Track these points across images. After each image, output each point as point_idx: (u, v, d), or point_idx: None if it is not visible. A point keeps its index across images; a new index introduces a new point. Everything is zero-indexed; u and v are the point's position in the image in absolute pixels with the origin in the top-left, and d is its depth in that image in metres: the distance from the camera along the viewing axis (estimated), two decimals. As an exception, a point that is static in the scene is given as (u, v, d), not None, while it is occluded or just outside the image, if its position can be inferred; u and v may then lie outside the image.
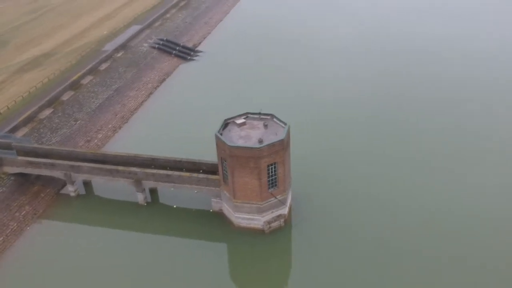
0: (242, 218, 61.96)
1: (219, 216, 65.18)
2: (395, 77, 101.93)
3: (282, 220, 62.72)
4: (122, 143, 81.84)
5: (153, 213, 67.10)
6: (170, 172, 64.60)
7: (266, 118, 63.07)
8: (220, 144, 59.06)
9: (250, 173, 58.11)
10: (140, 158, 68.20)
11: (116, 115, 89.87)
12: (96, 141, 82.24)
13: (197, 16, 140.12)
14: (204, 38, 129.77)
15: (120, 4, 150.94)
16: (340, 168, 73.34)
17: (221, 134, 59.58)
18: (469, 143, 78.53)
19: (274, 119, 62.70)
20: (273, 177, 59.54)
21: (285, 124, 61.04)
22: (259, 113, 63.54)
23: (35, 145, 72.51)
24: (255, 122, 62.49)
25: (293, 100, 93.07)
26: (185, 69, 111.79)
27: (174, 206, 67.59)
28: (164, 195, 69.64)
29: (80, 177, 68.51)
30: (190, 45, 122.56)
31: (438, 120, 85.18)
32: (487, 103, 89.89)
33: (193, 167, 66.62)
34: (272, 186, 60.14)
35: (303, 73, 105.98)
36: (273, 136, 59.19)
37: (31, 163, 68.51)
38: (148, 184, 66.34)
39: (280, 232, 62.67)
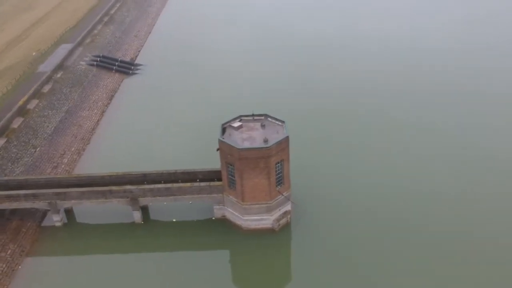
0: (252, 220, 61.92)
1: (224, 223, 64.43)
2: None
3: (289, 216, 63.73)
4: (92, 165, 77.37)
5: (152, 231, 64.51)
6: (169, 185, 62.70)
7: (260, 118, 63.71)
8: (225, 149, 58.62)
9: (260, 174, 58.43)
10: (130, 176, 65.38)
11: (76, 137, 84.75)
12: (63, 166, 76.97)
13: (125, 30, 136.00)
14: (139, 51, 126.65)
15: (28, 24, 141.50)
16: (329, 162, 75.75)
17: (223, 139, 59.21)
18: (468, 142, 79.41)
19: (269, 119, 63.56)
20: (280, 174, 60.39)
21: (283, 121, 62.20)
22: (253, 115, 63.98)
23: (7, 178, 66.33)
24: (251, 124, 62.83)
25: (248, 102, 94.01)
26: (130, 83, 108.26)
27: (174, 220, 65.57)
28: (156, 211, 67.10)
29: (66, 205, 63.85)
30: (127, 59, 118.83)
31: (436, 118, 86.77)
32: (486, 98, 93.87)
33: (189, 177, 65.30)
34: (279, 184, 60.95)
35: (247, 73, 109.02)
36: (275, 134, 60.05)
37: (8, 197, 62.49)
38: (145, 201, 63.77)
39: (287, 228, 63.57)
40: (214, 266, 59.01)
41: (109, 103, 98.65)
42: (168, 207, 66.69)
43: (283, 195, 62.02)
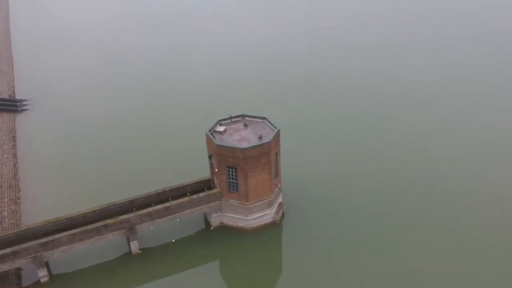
0: (255, 218, 62.60)
1: (224, 230, 63.56)
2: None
3: (284, 206, 65.99)
4: (39, 211, 67.15)
5: (154, 258, 59.96)
6: (168, 204, 59.71)
7: (238, 119, 64.55)
8: (226, 153, 58.31)
9: (262, 169, 59.64)
10: (115, 206, 60.38)
11: (1, 187, 73.61)
12: (7, 219, 66.55)
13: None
14: (13, 86, 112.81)
15: None
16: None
17: (218, 144, 58.88)
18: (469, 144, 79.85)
19: (246, 118, 64.78)
20: (275, 167, 62.34)
21: (263, 117, 64.10)
22: (230, 117, 64.47)
23: (-33, 243, 55.34)
24: (234, 126, 63.40)
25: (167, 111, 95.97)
26: (26, 120, 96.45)
27: (173, 241, 62.39)
28: (145, 238, 62.87)
29: (54, 254, 56.01)
30: (5, 96, 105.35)
31: (433, 118, 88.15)
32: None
33: (178, 193, 62.99)
34: (275, 177, 62.84)
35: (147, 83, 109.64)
36: (263, 130, 61.82)
37: (-19, 264, 52.57)
38: (142, 227, 59.57)
39: (284, 219, 65.60)
40: (229, 273, 58.90)
41: (15, 145, 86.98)
42: (156, 231, 63.10)
43: (278, 186, 64.09)
